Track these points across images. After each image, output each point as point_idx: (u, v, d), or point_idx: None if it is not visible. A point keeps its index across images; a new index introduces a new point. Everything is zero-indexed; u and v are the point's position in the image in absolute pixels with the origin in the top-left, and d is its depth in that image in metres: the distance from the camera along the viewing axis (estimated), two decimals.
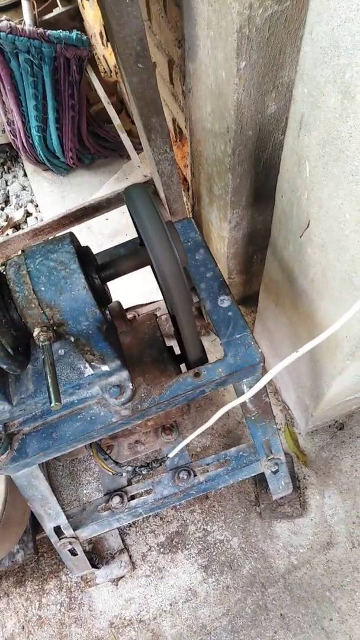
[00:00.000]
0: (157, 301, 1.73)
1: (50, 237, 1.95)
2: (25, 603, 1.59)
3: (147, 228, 0.73)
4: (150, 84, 1.24)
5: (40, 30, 2.07)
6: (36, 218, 2.68)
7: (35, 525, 1.57)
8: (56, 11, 2.45)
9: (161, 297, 1.38)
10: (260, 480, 1.59)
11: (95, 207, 2.01)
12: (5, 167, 2.94)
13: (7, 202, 2.82)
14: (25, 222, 2.69)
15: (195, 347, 0.94)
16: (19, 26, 2.05)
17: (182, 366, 1.05)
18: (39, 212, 2.70)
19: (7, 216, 2.70)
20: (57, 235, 0.90)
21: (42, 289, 0.76)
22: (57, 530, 1.25)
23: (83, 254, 0.83)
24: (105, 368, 0.93)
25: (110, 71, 2.77)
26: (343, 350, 1.03)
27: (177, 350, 1.12)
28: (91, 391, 0.96)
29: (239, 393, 1.05)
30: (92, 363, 0.91)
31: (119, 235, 2.39)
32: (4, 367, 0.83)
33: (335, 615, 1.43)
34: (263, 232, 1.53)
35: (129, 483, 1.38)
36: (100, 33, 2.53)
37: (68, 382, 0.94)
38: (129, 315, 1.47)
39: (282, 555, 1.53)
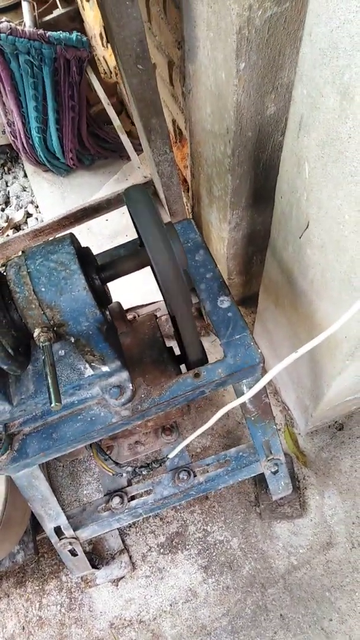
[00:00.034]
0: (157, 302, 1.73)
1: (51, 238, 1.95)
2: (25, 604, 1.59)
3: (146, 229, 0.74)
4: (150, 85, 1.24)
5: (41, 31, 2.07)
6: (36, 219, 2.68)
7: (35, 525, 1.57)
8: (56, 12, 2.45)
9: (161, 298, 1.38)
10: (260, 481, 1.59)
11: (95, 208, 2.01)
12: (6, 168, 2.95)
13: (7, 203, 2.82)
14: (26, 223, 2.70)
15: (195, 347, 0.94)
16: (19, 27, 2.05)
17: (182, 367, 1.05)
18: (39, 213, 2.70)
19: (8, 217, 2.71)
20: (57, 236, 0.91)
21: (43, 289, 0.77)
22: (58, 531, 1.26)
23: (83, 255, 0.83)
24: (105, 369, 0.93)
25: (110, 72, 2.78)
26: (342, 350, 1.03)
27: (177, 351, 1.13)
28: (91, 392, 0.96)
29: (239, 393, 1.05)
30: (92, 364, 0.91)
31: (119, 236, 2.39)
32: (5, 367, 0.83)
33: (335, 615, 1.43)
34: (263, 233, 1.53)
35: (129, 483, 1.38)
36: (100, 34, 2.54)
37: (68, 382, 0.94)
38: (129, 316, 1.47)
39: (282, 556, 1.53)
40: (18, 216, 2.69)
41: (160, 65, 1.64)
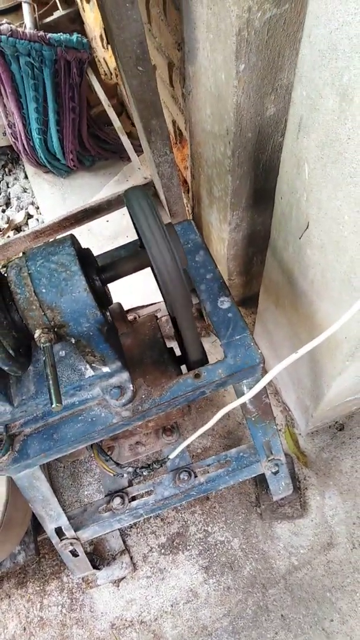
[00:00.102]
0: (157, 302, 1.74)
1: (51, 239, 1.95)
2: (26, 604, 1.59)
3: (147, 230, 0.74)
4: (150, 87, 1.24)
5: (41, 33, 2.08)
6: (37, 220, 2.69)
7: (36, 526, 1.58)
8: (57, 14, 2.45)
9: (161, 299, 1.38)
10: (260, 481, 1.59)
11: (95, 209, 2.01)
12: (6, 170, 2.95)
13: (8, 204, 2.82)
14: (26, 224, 2.70)
15: (195, 348, 0.94)
16: (19, 29, 2.06)
17: (183, 367, 1.05)
18: (40, 214, 2.70)
19: (8, 218, 2.71)
20: (58, 237, 0.91)
21: (43, 290, 0.77)
22: (59, 532, 1.26)
23: (84, 256, 0.84)
24: (106, 369, 0.93)
25: (111, 74, 2.78)
26: (343, 351, 1.03)
27: (178, 352, 1.13)
28: (92, 392, 0.97)
29: (239, 394, 1.05)
30: (92, 364, 0.92)
31: (120, 237, 2.39)
32: (6, 368, 0.84)
33: (336, 616, 1.43)
34: (263, 234, 1.54)
35: (130, 484, 1.38)
36: (101, 36, 2.54)
37: (69, 383, 0.94)
38: (130, 317, 1.48)
39: (283, 556, 1.53)
40: (19, 217, 2.69)
41: (160, 67, 1.65)
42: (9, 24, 2.04)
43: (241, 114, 1.08)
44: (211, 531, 1.60)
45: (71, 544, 1.29)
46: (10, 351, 0.81)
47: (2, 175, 2.94)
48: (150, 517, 1.65)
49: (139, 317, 1.55)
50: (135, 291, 1.82)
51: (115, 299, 1.00)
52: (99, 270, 0.86)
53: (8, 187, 2.87)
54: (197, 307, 1.47)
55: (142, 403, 0.96)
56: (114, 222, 2.44)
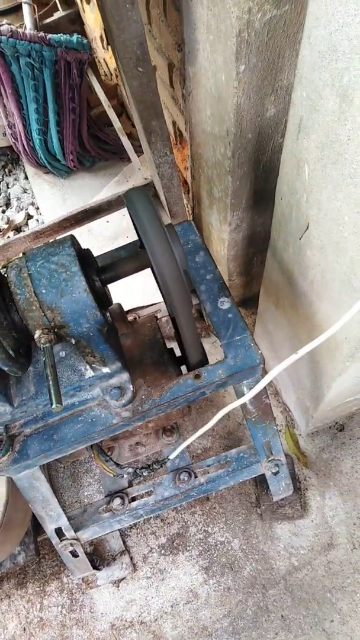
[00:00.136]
0: (157, 303, 1.74)
1: (51, 240, 1.96)
2: (26, 605, 1.59)
3: (147, 231, 0.74)
4: (150, 88, 1.24)
5: (41, 34, 2.08)
6: (37, 221, 2.69)
7: (36, 527, 1.58)
8: (57, 15, 2.45)
9: (161, 299, 1.38)
10: (260, 482, 1.59)
11: (96, 210, 2.01)
12: (6, 170, 2.95)
13: (8, 204, 2.83)
14: (26, 224, 2.70)
15: (195, 348, 0.94)
16: (19, 30, 2.06)
17: (183, 368, 1.05)
18: (40, 214, 2.70)
19: (8, 219, 2.71)
20: (58, 237, 0.91)
21: (43, 291, 0.77)
22: (59, 532, 1.26)
23: (84, 257, 0.84)
24: (106, 370, 0.93)
25: (111, 74, 2.79)
26: (342, 351, 1.03)
27: (178, 352, 1.13)
28: (92, 393, 0.97)
29: (239, 394, 1.05)
30: (92, 365, 0.92)
31: (120, 238, 2.39)
32: (6, 369, 0.84)
33: (337, 616, 1.43)
34: (263, 235, 1.54)
35: (130, 485, 1.38)
36: (101, 36, 2.55)
37: (69, 384, 0.94)
38: (130, 317, 1.47)
39: (283, 557, 1.53)
40: (19, 218, 2.69)
41: (160, 68, 1.65)
42: (9, 24, 2.04)
43: (241, 115, 1.08)
44: (211, 532, 1.60)
45: (71, 544, 1.29)
46: (10, 352, 0.81)
47: (2, 176, 2.94)
48: (150, 517, 1.65)
49: (139, 317, 1.55)
50: (136, 292, 1.82)
51: (115, 300, 1.00)
52: (99, 271, 0.86)
53: (8, 187, 2.88)
54: (197, 307, 1.47)
55: (142, 404, 0.96)
56: (114, 223, 2.44)
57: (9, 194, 2.83)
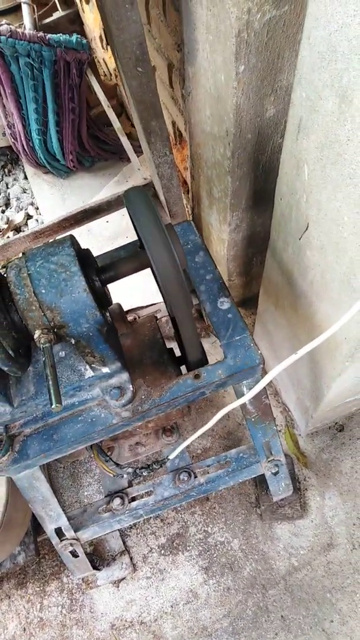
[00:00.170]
0: (157, 303, 1.74)
1: (51, 240, 1.96)
2: (26, 605, 1.59)
3: (146, 231, 0.74)
4: (149, 88, 1.24)
5: (41, 34, 2.08)
6: (37, 221, 2.69)
7: (36, 527, 1.58)
8: (56, 15, 2.46)
9: (161, 299, 1.38)
10: (260, 482, 1.59)
11: (95, 210, 2.01)
12: (6, 170, 2.95)
13: (7, 204, 2.83)
14: (26, 224, 2.70)
15: (195, 348, 0.94)
16: (19, 30, 2.06)
17: (183, 368, 1.05)
18: (40, 214, 2.70)
19: (8, 219, 2.71)
20: (57, 237, 0.91)
21: (43, 291, 0.77)
22: (58, 532, 1.26)
23: (83, 257, 0.84)
24: (105, 370, 0.93)
25: (110, 74, 2.79)
26: (342, 352, 1.03)
27: (178, 352, 1.13)
28: (92, 393, 0.97)
29: (239, 395, 1.05)
30: (92, 365, 0.92)
31: (119, 238, 2.40)
32: (5, 369, 0.84)
33: (336, 616, 1.43)
34: (262, 235, 1.54)
35: (130, 485, 1.38)
36: (100, 37, 2.55)
37: (69, 384, 0.94)
38: (130, 317, 1.48)
39: (283, 557, 1.53)
40: (18, 218, 2.69)
41: (159, 68, 1.65)
42: (8, 24, 2.04)
43: (241, 115, 1.08)
44: (211, 532, 1.60)
45: (71, 544, 1.29)
46: (10, 352, 0.81)
47: (2, 176, 2.94)
48: (150, 517, 1.65)
49: (139, 317, 1.55)
50: (135, 292, 1.82)
51: (115, 300, 1.01)
52: (99, 271, 0.86)
53: (7, 187, 2.88)
54: (196, 307, 1.47)
55: (141, 404, 0.96)
56: (113, 223, 2.44)
57: (9, 194, 2.83)
